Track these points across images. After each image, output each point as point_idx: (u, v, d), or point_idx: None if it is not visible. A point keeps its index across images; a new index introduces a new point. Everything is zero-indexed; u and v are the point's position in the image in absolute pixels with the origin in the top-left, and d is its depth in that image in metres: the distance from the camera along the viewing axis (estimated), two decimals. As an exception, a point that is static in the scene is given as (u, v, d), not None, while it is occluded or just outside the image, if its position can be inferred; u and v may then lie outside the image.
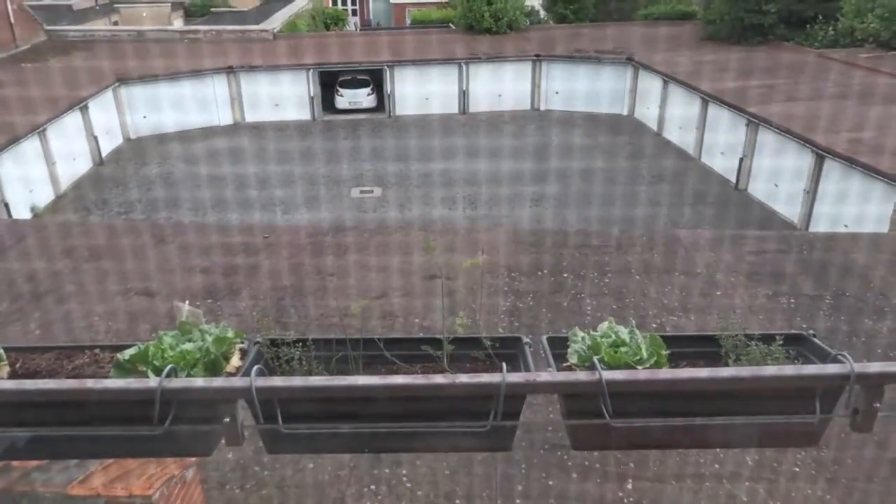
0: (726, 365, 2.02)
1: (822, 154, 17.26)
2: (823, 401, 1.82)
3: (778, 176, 19.15)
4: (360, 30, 46.08)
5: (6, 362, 2.02)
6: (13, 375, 2.01)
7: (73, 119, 22.13)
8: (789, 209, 18.66)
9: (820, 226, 17.37)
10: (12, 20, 27.94)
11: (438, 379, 1.74)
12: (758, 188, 20.28)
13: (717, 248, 10.43)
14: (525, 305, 8.35)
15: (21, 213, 18.40)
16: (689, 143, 23.98)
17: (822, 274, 9.19)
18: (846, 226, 16.46)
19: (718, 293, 8.75)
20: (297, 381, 1.79)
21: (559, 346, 2.06)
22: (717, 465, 5.90)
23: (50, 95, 22.10)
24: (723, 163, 21.98)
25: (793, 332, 2.11)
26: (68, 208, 20.05)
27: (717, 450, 5.88)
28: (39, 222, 15.75)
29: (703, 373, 1.81)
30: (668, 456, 5.91)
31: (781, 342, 2.05)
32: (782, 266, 9.47)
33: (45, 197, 20.05)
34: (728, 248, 10.40)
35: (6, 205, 17.91)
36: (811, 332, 2.13)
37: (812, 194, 17.71)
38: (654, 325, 7.72)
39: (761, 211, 19.41)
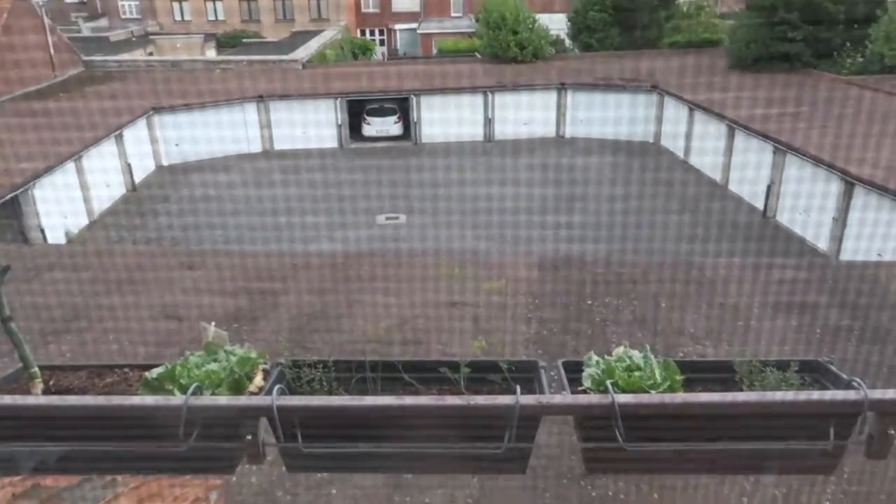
0: (740, 391, 2.03)
1: (851, 181, 17.05)
2: (838, 428, 1.82)
3: (806, 204, 18.95)
4: (388, 59, 46.86)
5: (40, 379, 2.11)
6: (46, 392, 2.09)
7: (108, 147, 22.77)
8: (818, 237, 18.42)
9: (850, 254, 17.09)
10: (52, 52, 28.95)
11: (453, 400, 1.78)
12: (786, 216, 20.07)
13: (744, 276, 10.31)
14: (548, 333, 8.32)
15: (56, 237, 18.89)
16: (715, 170, 23.85)
17: (853, 304, 9.03)
18: (880, 255, 16.18)
19: (744, 323, 8.64)
20: (316, 400, 1.85)
21: (575, 371, 2.09)
22: (744, 499, 5.79)
23: (86, 124, 22.77)
24: (750, 190, 21.81)
25: (808, 358, 2.11)
26: (101, 233, 20.53)
27: (745, 484, 5.78)
28: (73, 247, 16.15)
29: (714, 397, 1.83)
30: (694, 488, 5.81)
31: (797, 368, 2.06)
32: (811, 295, 9.33)
33: (79, 222, 20.58)
34: (755, 277, 10.28)
35: (42, 230, 18.41)
36: (827, 359, 2.13)
37: (841, 222, 17.47)
38: (681, 354, 7.64)
39: (789, 239, 19.17)
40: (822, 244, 18.17)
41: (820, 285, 9.64)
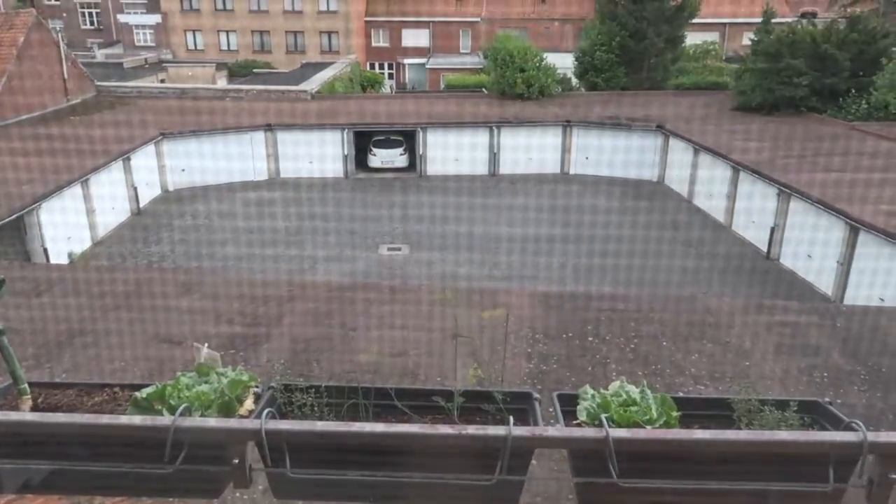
0: (738, 429, 1.99)
1: (855, 226, 17.06)
2: (838, 470, 1.78)
3: (810, 246, 18.93)
4: (396, 93, 47.43)
5: (30, 396, 2.09)
6: (35, 409, 2.07)
7: (115, 170, 22.95)
8: (822, 280, 18.36)
9: (854, 299, 17.02)
10: (65, 76, 29.38)
11: (444, 429, 1.75)
12: (789, 258, 20.03)
13: (747, 317, 10.27)
14: (549, 368, 8.26)
15: (59, 258, 18.92)
16: (719, 211, 23.91)
17: (857, 348, 8.96)
18: (882, 300, 16.10)
19: (748, 363, 8.57)
20: (305, 425, 1.82)
21: (570, 404, 2.06)
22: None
23: (95, 147, 23.00)
24: (754, 232, 21.82)
25: (808, 399, 2.08)
26: (104, 255, 20.57)
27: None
28: (74, 268, 16.17)
29: (709, 434, 1.79)
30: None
31: (796, 408, 2.02)
32: (815, 338, 9.26)
33: (83, 244, 20.63)
34: (759, 318, 10.23)
35: (45, 250, 18.45)
36: (827, 400, 2.10)
37: (846, 266, 17.43)
38: (682, 394, 7.56)
39: (793, 281, 19.11)
40: (826, 288, 18.10)
41: (824, 329, 9.58)
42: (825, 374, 8.19)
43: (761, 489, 1.84)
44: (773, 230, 20.53)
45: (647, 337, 9.10)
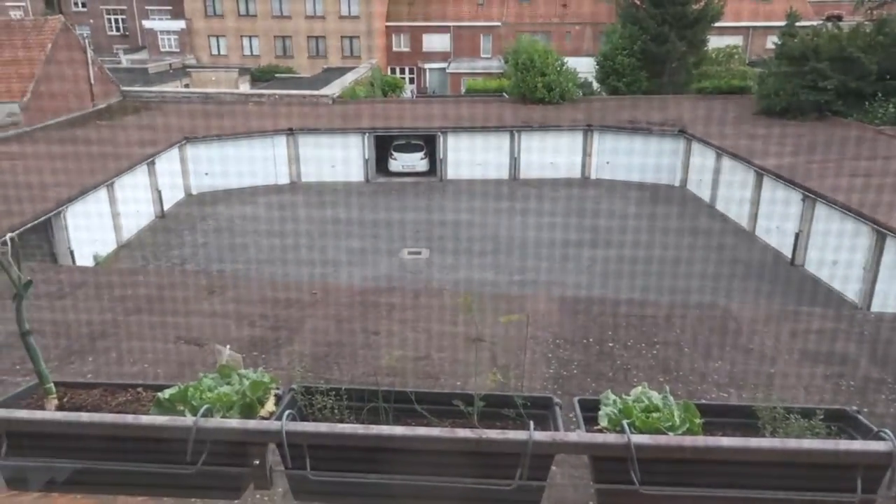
0: (763, 437, 1.96)
1: (882, 231, 16.76)
2: (866, 480, 1.74)
3: (836, 253, 18.63)
4: (417, 97, 47.55)
5: (55, 395, 2.12)
6: (60, 408, 2.09)
7: (140, 174, 23.27)
8: (848, 287, 18.06)
9: (882, 306, 16.71)
10: (92, 81, 29.87)
11: (464, 433, 1.74)
12: (814, 264, 19.73)
13: (771, 324, 10.09)
14: (569, 373, 8.20)
15: (84, 260, 19.21)
16: (742, 216, 23.63)
17: (885, 356, 8.78)
18: (909, 307, 15.80)
19: (772, 371, 8.43)
20: (325, 427, 1.82)
21: (591, 409, 2.04)
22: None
23: (120, 151, 23.34)
24: (778, 237, 21.54)
25: (835, 407, 2.04)
26: (128, 258, 20.84)
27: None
28: (100, 270, 16.41)
29: (734, 442, 1.77)
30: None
31: (823, 417, 1.99)
32: (841, 346, 9.09)
33: (108, 246, 20.92)
34: (783, 325, 10.06)
35: (71, 252, 18.75)
36: (855, 408, 2.05)
37: (873, 273, 17.12)
38: (704, 401, 7.45)
39: (818, 288, 18.82)
40: (852, 294, 17.81)
41: (851, 335, 9.40)
42: (852, 383, 8.03)
43: (786, 498, 1.81)
44: (797, 236, 20.24)
45: (669, 343, 8.99)
